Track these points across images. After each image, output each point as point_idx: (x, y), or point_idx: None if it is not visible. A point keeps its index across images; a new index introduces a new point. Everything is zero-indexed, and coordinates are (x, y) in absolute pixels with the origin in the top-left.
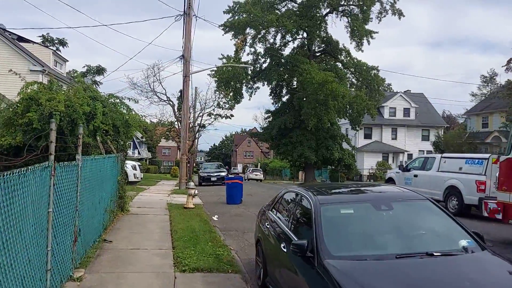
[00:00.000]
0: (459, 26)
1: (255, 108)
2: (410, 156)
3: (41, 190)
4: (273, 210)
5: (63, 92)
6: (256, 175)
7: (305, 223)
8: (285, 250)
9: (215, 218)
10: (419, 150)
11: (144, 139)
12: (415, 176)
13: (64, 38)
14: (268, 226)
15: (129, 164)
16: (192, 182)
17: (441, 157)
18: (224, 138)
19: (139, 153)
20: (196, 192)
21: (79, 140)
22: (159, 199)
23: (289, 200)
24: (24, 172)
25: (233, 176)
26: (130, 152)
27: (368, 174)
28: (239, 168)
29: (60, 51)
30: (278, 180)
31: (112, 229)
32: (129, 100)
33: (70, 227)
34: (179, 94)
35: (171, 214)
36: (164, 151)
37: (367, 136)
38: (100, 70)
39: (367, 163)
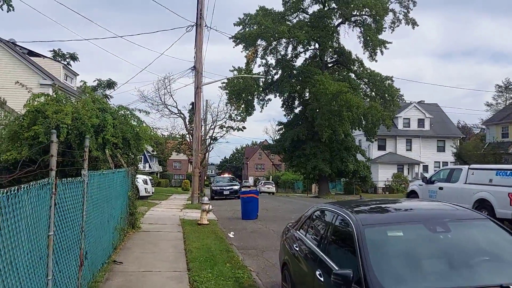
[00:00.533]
0: (469, 37)
1: (265, 120)
2: (425, 167)
3: (39, 212)
4: (302, 230)
5: (70, 104)
6: (268, 188)
7: (344, 248)
8: (321, 278)
9: (231, 235)
10: (435, 162)
11: (155, 153)
12: (440, 188)
13: (75, 52)
14: (297, 249)
15: (140, 178)
16: (206, 197)
17: (469, 168)
18: (234, 151)
19: (149, 166)
20: (211, 207)
21: (85, 154)
22: (172, 214)
23: (322, 220)
24: (16, 191)
25: (248, 190)
26: (141, 165)
27: (384, 186)
28: (250, 181)
29: (70, 65)
30: (291, 193)
31: (122, 249)
32: (140, 112)
33: (75, 250)
34: (191, 106)
35: (185, 231)
36: (175, 164)
37: (381, 147)
38: (110, 84)
39: (382, 175)
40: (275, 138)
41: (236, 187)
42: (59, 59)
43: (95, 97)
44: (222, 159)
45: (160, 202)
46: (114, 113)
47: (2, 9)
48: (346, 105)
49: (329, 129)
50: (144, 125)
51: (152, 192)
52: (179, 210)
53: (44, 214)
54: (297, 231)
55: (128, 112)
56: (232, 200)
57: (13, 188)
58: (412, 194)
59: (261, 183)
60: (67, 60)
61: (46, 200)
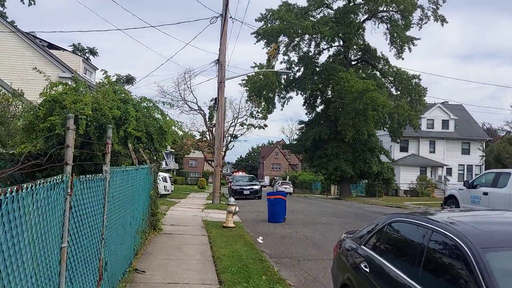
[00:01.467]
0: (489, 38)
1: (281, 120)
2: (449, 170)
3: (50, 219)
4: (369, 245)
5: (90, 94)
6: (286, 188)
7: (454, 278)
8: None
9: (260, 240)
10: (459, 164)
11: (173, 150)
12: (485, 194)
13: (95, 47)
14: (366, 269)
15: (159, 175)
16: (232, 198)
17: None
18: (250, 150)
19: (166, 164)
20: (237, 209)
21: (108, 146)
22: (193, 215)
23: (405, 236)
24: (15, 193)
25: (275, 191)
26: None
27: (408, 189)
28: (266, 180)
29: (90, 60)
30: (308, 193)
31: (144, 254)
32: (163, 105)
33: (94, 263)
34: (211, 103)
35: (210, 235)
36: (191, 162)
37: (403, 149)
38: (129, 80)
39: (404, 177)
40: (295, 137)
41: (256, 187)
42: (79, 54)
43: (116, 86)
44: (237, 158)
45: (180, 201)
46: (136, 105)
47: (24, 3)
48: (372, 104)
49: (353, 129)
50: (168, 118)
51: (172, 190)
52: (201, 210)
53: (56, 222)
54: (363, 247)
55: (151, 104)
56: (252, 201)
57: (12, 188)
58: (451, 199)
59: (278, 183)
60: (87, 54)
61: (59, 203)
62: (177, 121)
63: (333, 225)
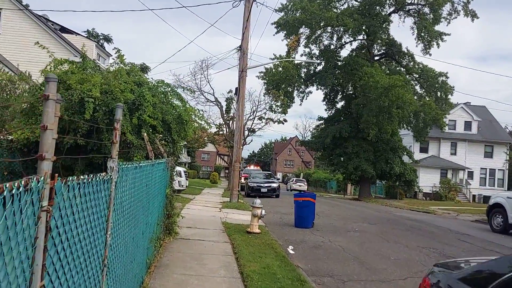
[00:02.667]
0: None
1: (294, 116)
2: (470, 173)
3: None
4: None
5: (100, 75)
6: (300, 186)
7: None
8: None
9: (290, 250)
10: (481, 168)
11: (186, 143)
12: None
13: (109, 34)
14: None
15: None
16: (258, 200)
17: None
18: (263, 145)
19: (178, 157)
20: (264, 213)
21: (115, 133)
22: (211, 215)
23: None
24: None
25: (303, 192)
26: None
27: (431, 192)
28: (279, 177)
29: (104, 47)
30: (323, 192)
31: (158, 267)
32: (183, 90)
33: None
34: (230, 94)
35: (234, 243)
36: (203, 156)
37: (423, 150)
38: (144, 69)
39: (424, 180)
40: (308, 134)
41: (274, 185)
42: (93, 40)
43: (130, 66)
44: (250, 153)
45: (194, 197)
46: (153, 89)
47: None
48: (398, 101)
49: (376, 127)
50: (188, 105)
51: (186, 186)
52: (218, 210)
53: (23, 256)
54: None
55: (170, 89)
56: (270, 199)
57: None
58: (496, 208)
59: (292, 180)
60: (101, 41)
61: (25, 227)
62: (198, 109)
63: (369, 234)
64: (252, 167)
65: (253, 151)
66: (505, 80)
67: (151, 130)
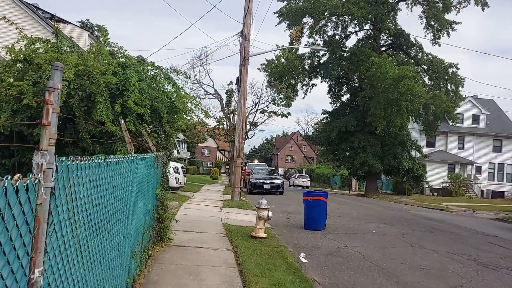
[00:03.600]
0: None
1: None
2: (478, 168)
3: None
4: None
5: (77, 54)
6: (303, 181)
7: None
8: None
9: (303, 259)
10: (489, 163)
11: (185, 138)
12: None
13: (104, 25)
14: None
15: (171, 166)
16: (264, 200)
17: None
18: (264, 141)
19: (178, 152)
20: (271, 215)
21: (47, 110)
22: (210, 216)
23: None
24: None
25: (313, 190)
26: None
27: (440, 187)
28: (280, 172)
29: (99, 38)
30: (326, 188)
31: (144, 284)
32: (177, 74)
33: None
34: (230, 86)
35: (237, 250)
36: (203, 151)
37: (430, 144)
38: (140, 62)
39: (431, 175)
40: (318, 128)
41: (278, 181)
42: (90, 31)
43: (115, 48)
44: (251, 149)
45: (193, 195)
46: (140, 72)
47: None
48: (407, 93)
49: (384, 120)
50: (183, 92)
51: (184, 183)
52: (219, 209)
53: None
54: None
55: (161, 72)
56: (274, 197)
57: None
58: None
59: (295, 176)
60: (96, 33)
61: None
62: (194, 96)
63: (389, 237)
64: (256, 162)
65: (254, 147)
66: (507, 73)
67: (138, 120)
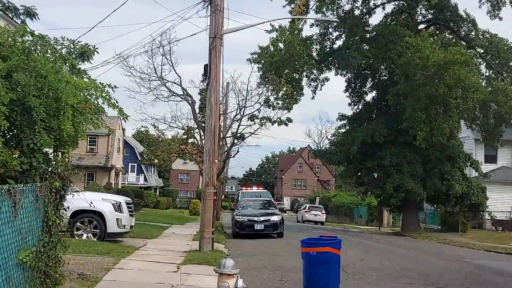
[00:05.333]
0: None
1: (306, 120)
2: None
3: None
4: None
5: None
6: (316, 215)
7: None
8: None
9: None
10: None
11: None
12: None
13: (33, 6)
14: None
15: (107, 200)
16: (229, 260)
17: None
18: (264, 160)
19: (145, 179)
20: (243, 285)
21: None
22: (156, 282)
23: None
24: None
25: (317, 237)
26: (132, 177)
27: (508, 219)
28: (286, 203)
29: (26, 24)
30: (348, 223)
31: None
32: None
33: None
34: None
35: None
36: (181, 177)
37: (491, 158)
38: (84, 53)
39: (493, 202)
40: (334, 141)
41: (275, 218)
42: (11, 15)
43: None
44: (246, 171)
45: (145, 244)
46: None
47: None
48: (458, 85)
49: (426, 126)
50: (85, 79)
51: (131, 226)
52: (175, 268)
53: None
54: None
55: (44, 43)
56: (269, 241)
57: None
58: None
59: (305, 208)
60: (22, 17)
61: None
62: (101, 84)
63: None
64: (254, 189)
65: (250, 168)
66: None
67: None
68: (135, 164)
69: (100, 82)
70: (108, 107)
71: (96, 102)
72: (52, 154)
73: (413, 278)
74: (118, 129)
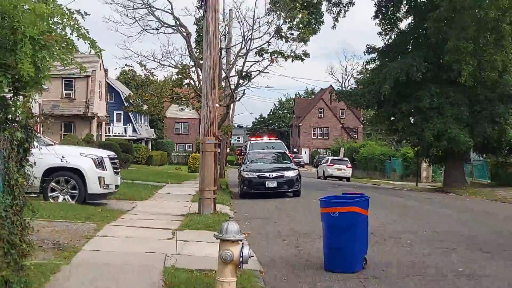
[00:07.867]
0: None
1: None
2: None
3: None
4: None
5: None
6: (341, 170)
7: None
8: None
9: None
10: None
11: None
12: None
13: None
14: None
15: (87, 154)
16: (233, 224)
17: None
18: (277, 105)
19: (134, 130)
20: (249, 253)
21: None
22: (146, 251)
23: None
24: None
25: (340, 195)
26: (118, 128)
27: None
28: (304, 156)
29: None
30: (379, 178)
31: None
32: None
33: None
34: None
35: None
36: (177, 126)
37: None
38: None
39: None
40: (361, 80)
41: (291, 173)
42: None
43: None
44: (256, 119)
45: (134, 207)
46: None
47: None
48: None
49: (474, 59)
50: (50, 5)
51: (117, 186)
52: (170, 235)
53: None
54: None
55: None
56: (283, 202)
57: None
58: None
59: (326, 161)
60: None
61: None
62: (73, 10)
63: (493, 285)
64: (264, 138)
65: (261, 115)
66: None
67: None
68: (121, 113)
69: (66, 8)
70: (78, 38)
71: (63, 34)
72: (12, 98)
73: (457, 241)
74: (99, 70)
